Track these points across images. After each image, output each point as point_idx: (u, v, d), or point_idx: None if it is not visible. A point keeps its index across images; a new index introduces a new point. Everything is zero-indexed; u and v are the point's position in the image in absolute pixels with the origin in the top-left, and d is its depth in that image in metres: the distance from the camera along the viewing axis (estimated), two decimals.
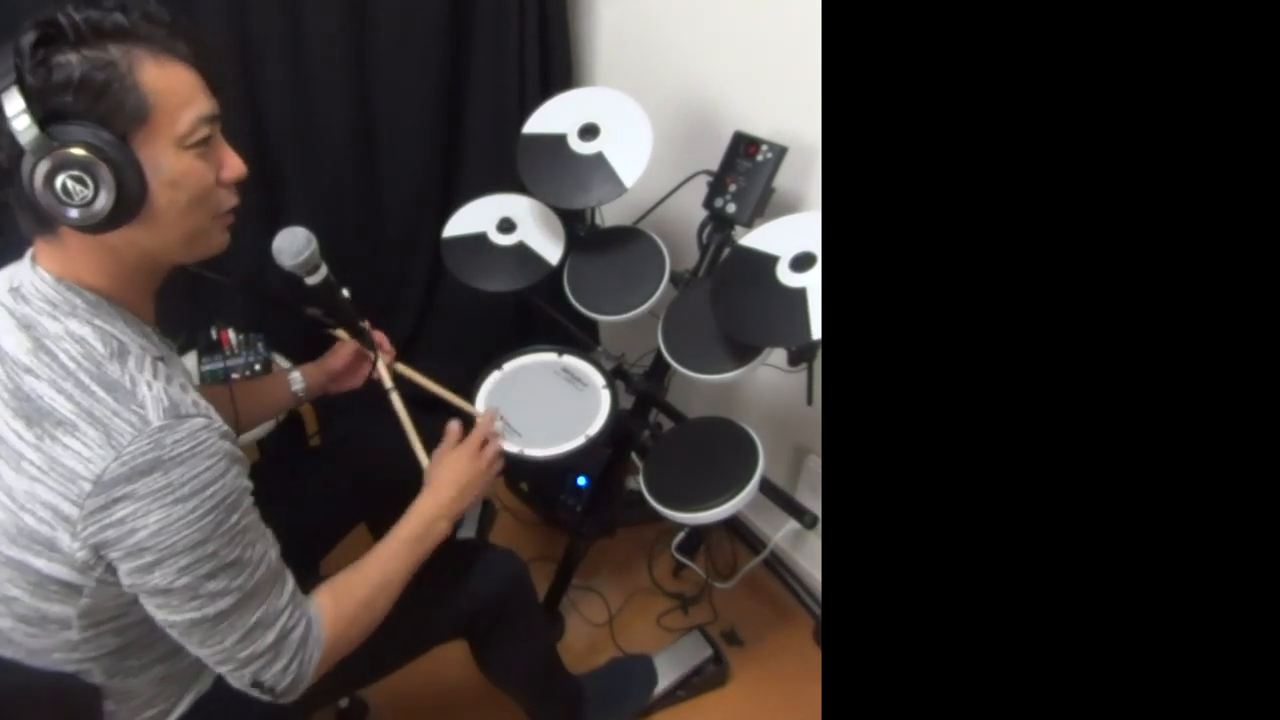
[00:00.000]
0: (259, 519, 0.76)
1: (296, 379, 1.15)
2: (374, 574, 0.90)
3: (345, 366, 1.16)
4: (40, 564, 0.70)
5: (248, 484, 0.74)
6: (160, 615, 0.73)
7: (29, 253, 0.75)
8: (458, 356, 1.74)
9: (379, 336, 1.15)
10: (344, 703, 1.34)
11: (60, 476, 0.66)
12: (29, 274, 0.73)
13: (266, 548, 0.77)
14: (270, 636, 0.77)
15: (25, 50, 0.64)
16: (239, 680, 0.78)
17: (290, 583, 0.80)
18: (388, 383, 1.11)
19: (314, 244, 0.96)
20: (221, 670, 0.77)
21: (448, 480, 1.01)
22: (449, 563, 1.12)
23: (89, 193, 0.66)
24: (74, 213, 0.66)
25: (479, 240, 1.45)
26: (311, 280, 0.99)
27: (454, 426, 1.07)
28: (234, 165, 0.77)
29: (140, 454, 0.66)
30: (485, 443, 1.06)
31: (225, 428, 0.72)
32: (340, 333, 1.16)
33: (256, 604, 0.75)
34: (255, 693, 0.79)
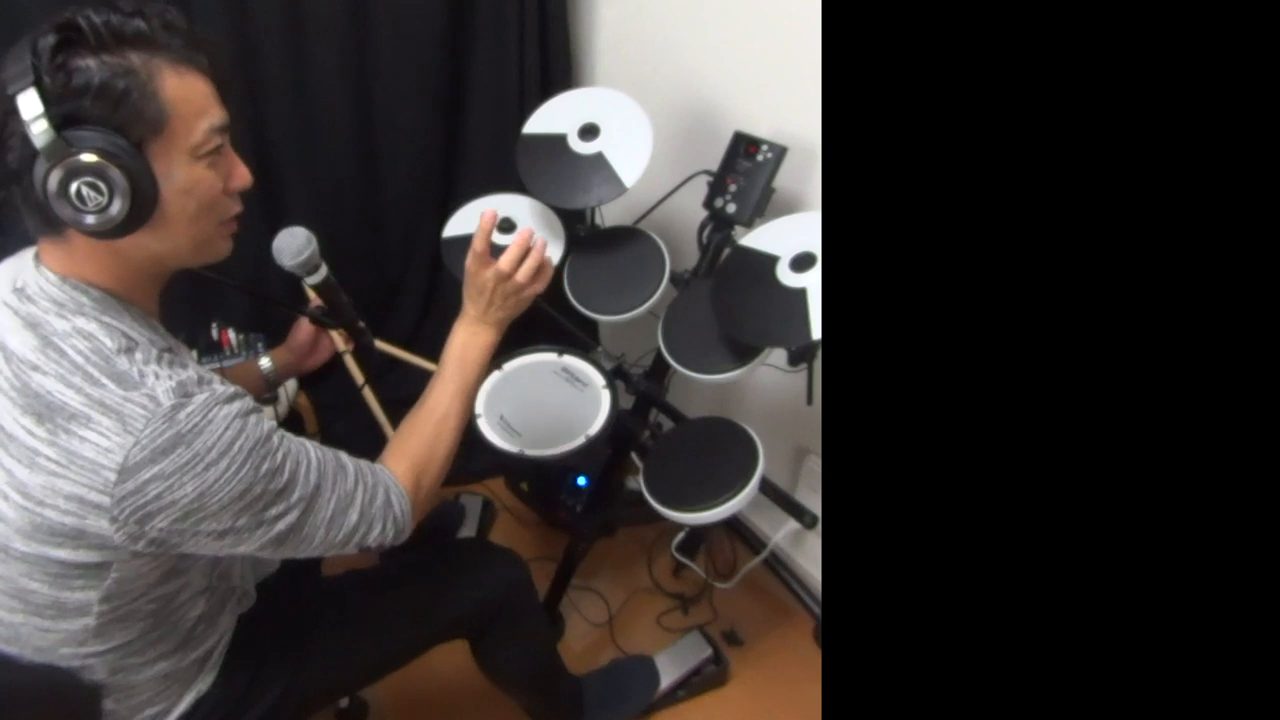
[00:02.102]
0: (291, 440, 0.77)
1: (265, 362, 1.15)
2: (427, 413, 0.92)
3: (309, 340, 1.16)
4: (63, 554, 0.70)
5: (271, 424, 0.75)
6: (231, 549, 0.75)
7: (32, 252, 0.75)
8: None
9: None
10: (344, 703, 1.34)
11: (81, 468, 0.66)
12: (33, 274, 0.73)
13: (308, 454, 0.78)
14: (353, 516, 0.80)
15: (44, 52, 0.64)
16: (349, 554, 0.83)
17: (349, 463, 0.83)
18: (358, 379, 1.11)
19: (314, 244, 0.96)
20: (328, 556, 0.82)
21: (473, 289, 0.96)
22: (449, 562, 1.12)
23: (103, 199, 0.66)
24: (89, 219, 0.66)
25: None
26: (311, 280, 0.99)
27: (485, 220, 0.94)
28: (242, 175, 0.77)
29: (158, 434, 0.67)
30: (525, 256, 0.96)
31: (233, 388, 0.73)
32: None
33: (325, 500, 0.78)
34: (372, 552, 0.84)
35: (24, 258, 0.76)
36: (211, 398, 0.70)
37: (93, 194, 0.65)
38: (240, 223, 0.80)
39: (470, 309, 0.97)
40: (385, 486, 0.84)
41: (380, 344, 1.16)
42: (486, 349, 0.97)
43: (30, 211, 0.70)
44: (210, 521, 0.70)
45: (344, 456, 0.83)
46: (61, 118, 0.64)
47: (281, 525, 0.75)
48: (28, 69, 0.63)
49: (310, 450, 0.79)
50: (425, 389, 0.94)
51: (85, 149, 0.64)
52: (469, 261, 0.96)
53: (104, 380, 0.68)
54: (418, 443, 0.90)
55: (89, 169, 0.64)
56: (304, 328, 1.15)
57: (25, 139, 0.64)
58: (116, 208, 0.66)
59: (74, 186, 0.65)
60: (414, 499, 0.87)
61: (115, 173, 0.65)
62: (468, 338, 0.97)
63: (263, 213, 1.62)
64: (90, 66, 0.65)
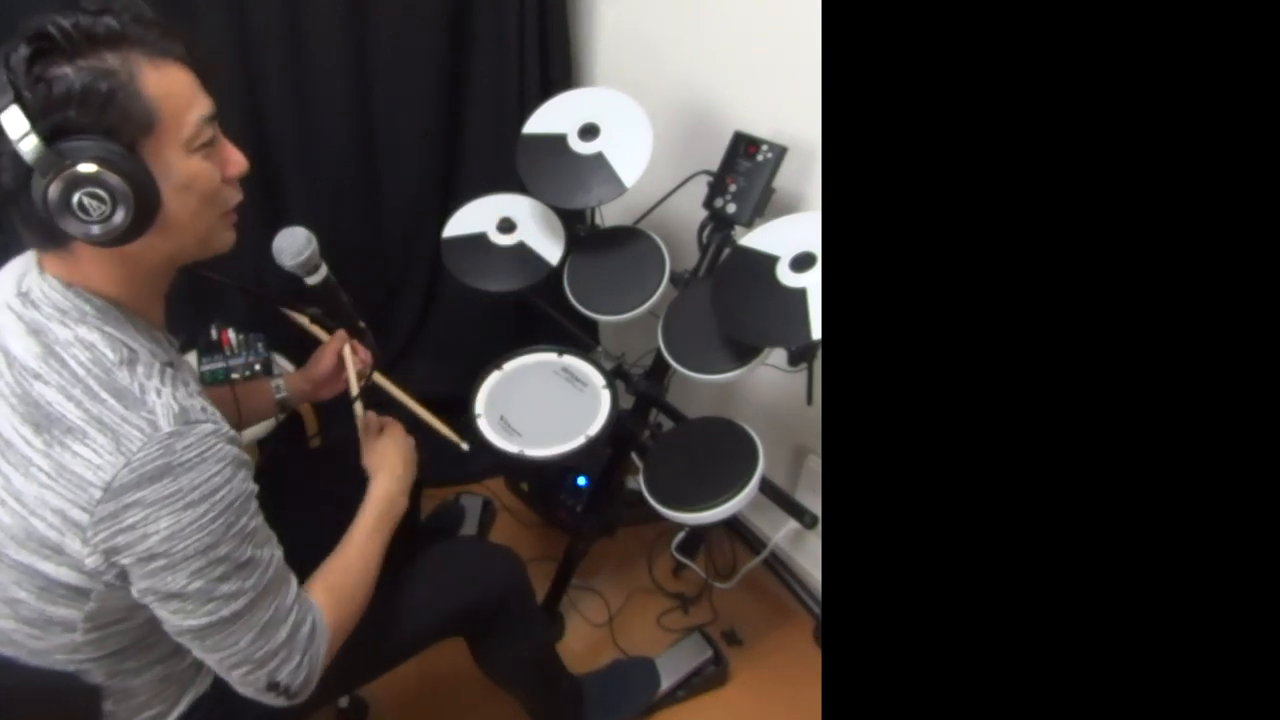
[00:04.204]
0: (264, 521, 0.76)
1: (280, 386, 1.15)
2: (355, 560, 0.91)
3: (328, 372, 1.15)
4: (48, 568, 0.70)
5: (254, 487, 0.74)
6: (175, 621, 0.73)
7: (35, 257, 0.74)
8: (458, 356, 1.74)
9: (364, 354, 1.15)
10: (344, 702, 1.34)
11: (69, 483, 0.66)
12: (37, 280, 0.72)
13: (273, 549, 0.77)
14: (283, 633, 0.77)
15: (18, 66, 0.62)
16: (254, 684, 0.77)
17: (293, 581, 0.81)
18: (354, 390, 1.11)
19: (314, 244, 0.96)
20: (236, 675, 0.77)
21: (389, 463, 1.03)
22: (447, 560, 1.12)
23: (107, 208, 0.64)
24: (95, 229, 0.65)
25: (479, 240, 1.45)
26: (311, 280, 0.99)
27: (370, 417, 1.10)
28: (237, 161, 0.76)
29: (150, 460, 0.66)
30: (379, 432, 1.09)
31: (232, 432, 0.72)
32: (315, 329, 1.17)
33: (268, 602, 0.76)
34: (270, 696, 0.79)
35: (30, 259, 0.75)
36: (213, 435, 0.69)
37: (95, 204, 0.64)
38: (240, 222, 0.80)
39: (393, 475, 1.02)
40: (314, 621, 0.81)
41: (379, 378, 1.16)
42: (403, 511, 1.02)
43: (31, 228, 0.69)
44: (168, 574, 0.69)
45: (292, 577, 0.81)
46: (49, 131, 0.62)
47: (226, 611, 0.72)
48: (4, 86, 0.61)
49: (274, 549, 0.78)
50: (347, 536, 0.93)
51: (81, 159, 0.63)
52: (394, 436, 1.07)
53: (104, 395, 0.67)
54: (346, 585, 0.88)
55: (88, 179, 0.63)
56: (325, 360, 1.14)
57: (16, 157, 0.62)
58: (121, 215, 0.65)
59: (75, 198, 0.63)
60: (330, 641, 0.83)
61: (114, 179, 0.64)
62: (392, 502, 1.00)
63: (263, 213, 1.62)
64: (68, 74, 0.63)
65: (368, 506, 0.97)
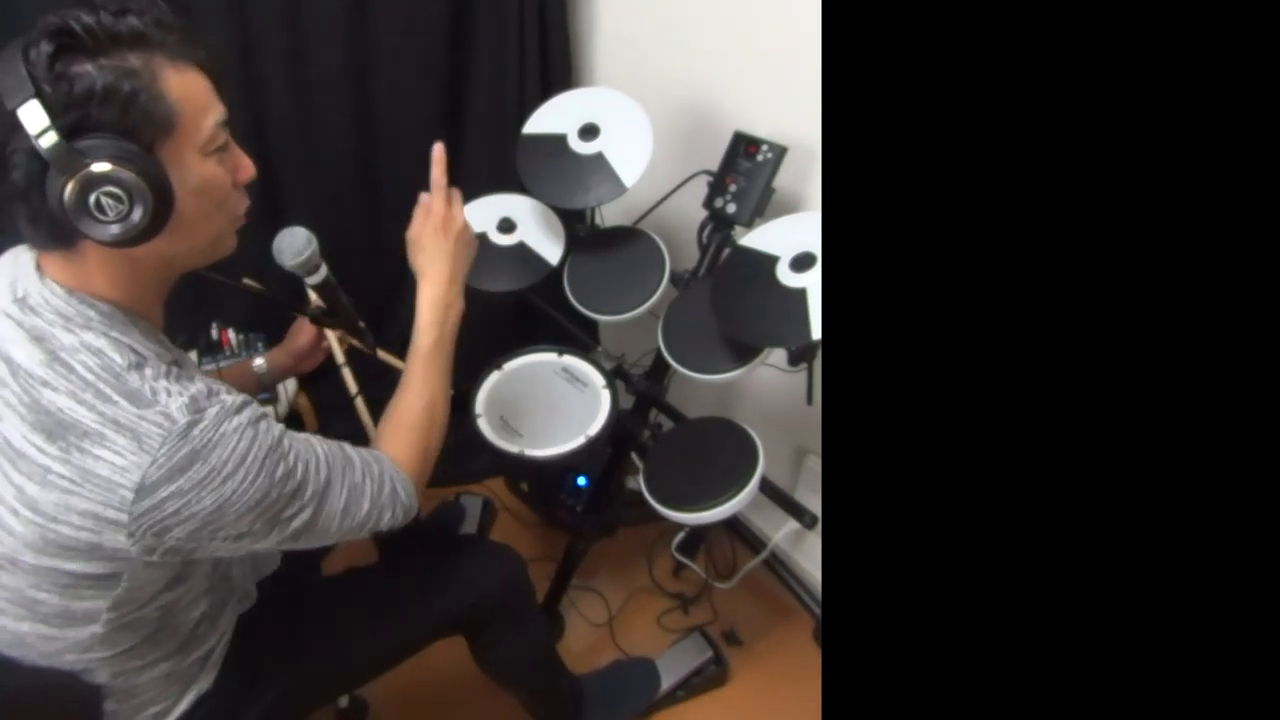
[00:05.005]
0: (298, 439, 0.78)
1: (260, 363, 1.15)
2: (417, 400, 0.93)
3: (308, 344, 1.15)
4: (74, 566, 0.70)
5: (280, 427, 0.76)
6: (249, 548, 0.75)
7: (30, 258, 0.73)
8: (458, 356, 1.74)
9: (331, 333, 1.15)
10: (344, 702, 1.35)
11: (96, 486, 0.66)
12: (36, 285, 0.71)
13: (316, 451, 0.79)
14: (365, 505, 0.82)
15: (40, 61, 0.61)
16: (363, 537, 0.84)
17: (354, 455, 0.83)
18: (352, 389, 1.12)
19: (314, 244, 0.96)
20: (342, 544, 0.83)
21: (435, 262, 1.00)
22: (447, 559, 1.12)
23: (124, 208, 0.64)
24: (113, 229, 0.64)
25: (478, 240, 1.44)
26: (312, 280, 0.99)
27: (423, 198, 1.04)
28: (247, 166, 0.77)
29: (174, 452, 0.66)
30: (449, 207, 1.03)
31: (240, 398, 0.73)
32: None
33: (335, 493, 0.79)
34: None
35: (21, 263, 0.74)
36: (223, 410, 0.70)
37: (113, 203, 0.63)
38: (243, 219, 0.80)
39: (440, 277, 0.98)
40: (390, 476, 0.85)
41: (383, 354, 1.16)
42: (460, 316, 0.99)
43: (38, 226, 0.68)
44: (228, 529, 0.71)
45: (348, 448, 0.84)
46: (68, 128, 0.62)
47: (297, 523, 0.76)
48: (24, 80, 0.61)
49: (317, 446, 0.79)
50: (409, 368, 0.95)
51: (100, 158, 0.63)
52: (435, 225, 0.99)
53: (116, 398, 0.67)
54: (414, 432, 0.92)
55: (107, 178, 0.63)
56: (303, 331, 1.15)
57: (32, 154, 0.62)
58: (138, 215, 0.65)
59: (93, 198, 0.63)
60: (418, 484, 0.89)
61: (134, 179, 0.63)
62: (444, 314, 0.98)
63: (263, 213, 1.61)
64: (90, 72, 0.63)
65: (419, 326, 0.97)
